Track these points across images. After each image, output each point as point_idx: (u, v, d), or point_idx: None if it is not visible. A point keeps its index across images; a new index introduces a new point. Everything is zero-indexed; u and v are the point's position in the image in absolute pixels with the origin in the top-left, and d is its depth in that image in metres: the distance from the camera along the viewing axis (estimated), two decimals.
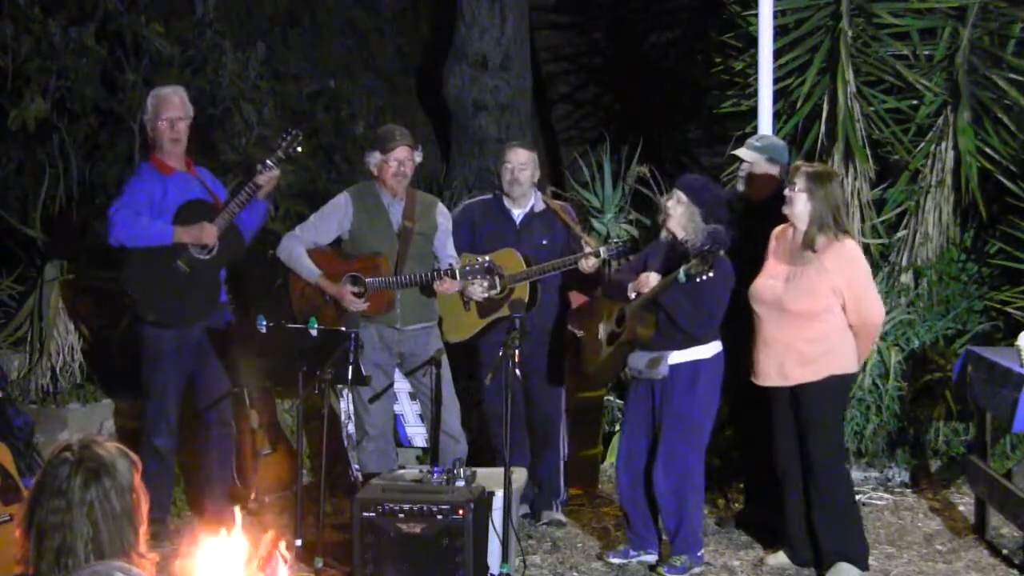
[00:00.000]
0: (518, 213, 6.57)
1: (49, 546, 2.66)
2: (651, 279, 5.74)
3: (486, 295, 6.41)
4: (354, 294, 6.26)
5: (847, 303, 5.56)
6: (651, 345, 5.77)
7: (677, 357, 5.75)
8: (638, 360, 5.82)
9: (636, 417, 5.91)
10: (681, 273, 5.52)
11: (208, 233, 6.15)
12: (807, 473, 5.65)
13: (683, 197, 5.77)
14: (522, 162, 6.49)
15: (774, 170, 6.26)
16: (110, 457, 2.75)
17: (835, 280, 5.53)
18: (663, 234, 5.89)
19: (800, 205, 5.56)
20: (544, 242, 6.51)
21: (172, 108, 6.20)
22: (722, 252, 5.59)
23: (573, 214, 6.81)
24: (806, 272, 5.55)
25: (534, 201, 6.58)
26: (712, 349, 5.79)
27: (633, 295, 5.79)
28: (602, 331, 6.00)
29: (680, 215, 5.76)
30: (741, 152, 6.31)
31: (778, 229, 5.75)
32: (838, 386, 5.65)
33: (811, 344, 5.56)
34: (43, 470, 2.75)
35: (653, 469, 5.80)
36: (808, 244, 5.55)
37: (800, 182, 5.57)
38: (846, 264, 5.56)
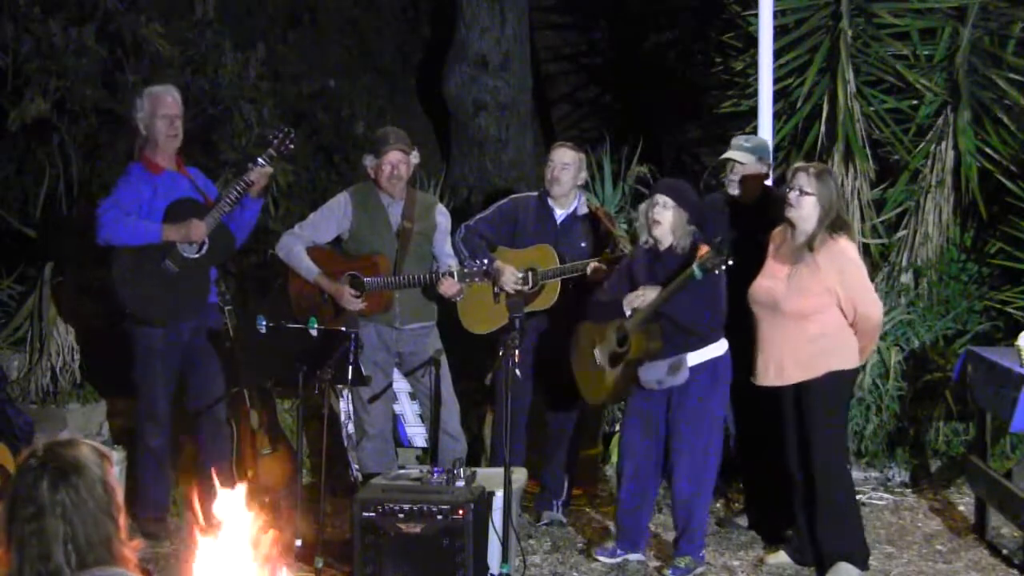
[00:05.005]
0: (560, 213, 6.52)
1: (29, 555, 2.64)
2: (648, 292, 5.68)
3: (518, 288, 6.40)
4: (353, 294, 6.27)
5: (842, 301, 5.54)
6: (662, 355, 5.71)
7: (695, 358, 5.69)
8: (655, 371, 5.70)
9: (642, 418, 5.85)
10: (696, 269, 5.45)
11: (196, 230, 6.11)
12: (810, 471, 5.64)
13: (670, 202, 5.69)
14: (565, 162, 6.45)
15: (763, 169, 6.26)
16: (76, 455, 2.70)
17: (828, 279, 5.51)
18: (643, 241, 5.82)
19: (809, 207, 5.53)
20: (583, 244, 6.46)
21: (168, 106, 6.19)
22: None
23: (614, 221, 6.81)
24: (801, 272, 5.54)
25: (577, 204, 6.55)
26: (723, 346, 5.76)
27: (629, 311, 5.73)
28: (599, 356, 5.87)
29: (669, 221, 5.69)
30: (734, 155, 6.19)
31: (776, 230, 5.73)
32: (838, 383, 5.63)
33: (807, 343, 5.54)
34: (13, 481, 2.71)
35: (673, 472, 5.76)
36: (810, 243, 5.53)
37: (807, 184, 5.53)
38: (838, 262, 5.53)
